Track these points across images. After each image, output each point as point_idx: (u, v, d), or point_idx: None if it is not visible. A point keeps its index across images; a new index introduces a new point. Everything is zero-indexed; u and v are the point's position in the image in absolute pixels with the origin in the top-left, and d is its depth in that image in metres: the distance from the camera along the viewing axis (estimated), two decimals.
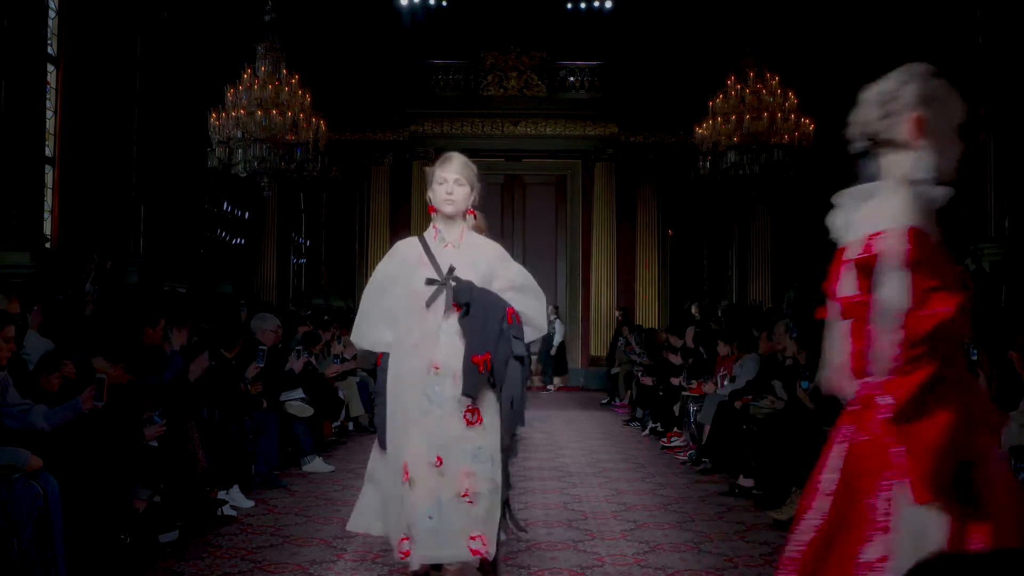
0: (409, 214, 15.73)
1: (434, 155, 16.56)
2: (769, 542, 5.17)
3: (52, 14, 10.22)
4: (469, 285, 3.31)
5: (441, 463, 3.19)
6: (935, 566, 1.52)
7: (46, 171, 10.10)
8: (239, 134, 11.88)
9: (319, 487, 6.65)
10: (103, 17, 10.92)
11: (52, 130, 10.22)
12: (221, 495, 5.67)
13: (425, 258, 3.42)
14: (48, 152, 10.14)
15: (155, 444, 4.98)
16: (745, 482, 6.50)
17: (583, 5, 15.94)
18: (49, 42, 10.14)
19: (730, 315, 13.39)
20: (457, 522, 3.16)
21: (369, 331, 3.52)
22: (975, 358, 4.09)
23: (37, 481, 3.83)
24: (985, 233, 9.66)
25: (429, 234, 3.53)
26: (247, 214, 15.37)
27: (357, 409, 9.49)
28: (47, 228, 10.09)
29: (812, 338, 6.95)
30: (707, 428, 7.61)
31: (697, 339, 9.75)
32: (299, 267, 17.17)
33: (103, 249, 9.77)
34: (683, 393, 8.94)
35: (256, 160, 12.05)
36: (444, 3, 15.62)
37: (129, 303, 9.06)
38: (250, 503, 5.89)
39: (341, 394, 9.15)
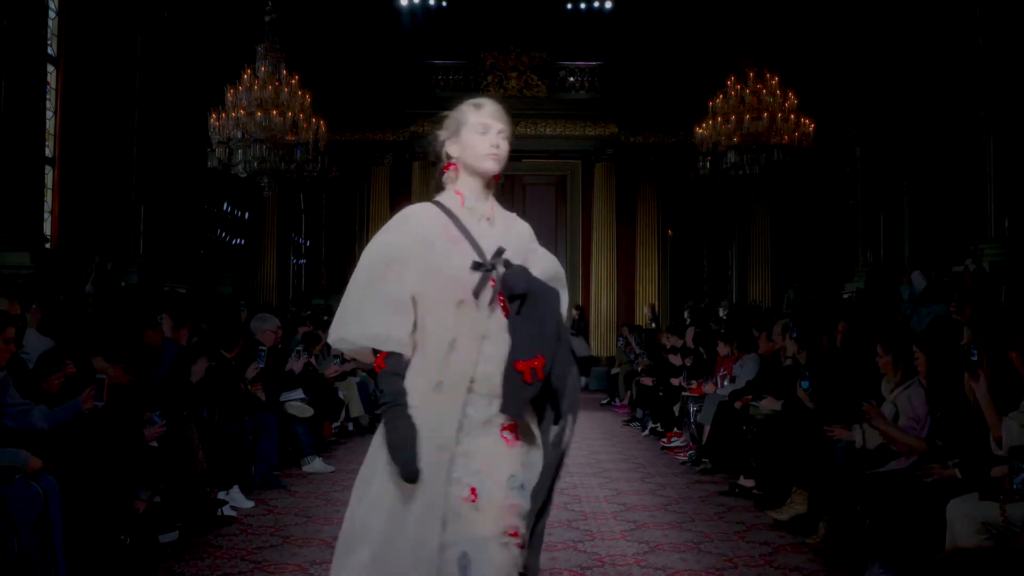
0: None
1: (434, 155, 16.62)
2: (769, 542, 5.18)
3: (52, 14, 10.22)
4: (524, 272, 2.50)
5: (476, 496, 2.41)
6: (949, 560, 1.53)
7: (46, 171, 10.10)
8: (239, 134, 11.88)
9: (319, 487, 6.65)
10: (103, 17, 10.92)
11: (52, 130, 10.23)
12: (221, 495, 5.67)
13: (456, 233, 2.52)
14: (48, 152, 10.15)
15: (155, 444, 4.98)
16: (746, 482, 6.50)
17: (583, 5, 15.95)
18: (49, 42, 10.14)
19: (730, 315, 13.39)
20: (503, 566, 2.39)
21: (372, 321, 2.47)
22: (975, 358, 4.08)
23: (37, 481, 3.83)
24: (985, 233, 9.65)
25: (450, 201, 2.60)
26: (247, 214, 15.37)
27: (357, 409, 9.49)
28: (47, 228, 10.09)
29: (812, 337, 6.96)
30: (707, 428, 7.61)
31: (697, 339, 9.76)
32: (299, 267, 17.18)
33: (103, 249, 9.77)
34: (683, 393, 8.94)
35: (256, 160, 12.05)
36: (444, 3, 15.63)
37: (129, 303, 9.05)
38: (250, 503, 5.89)
39: (341, 394, 9.15)
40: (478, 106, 2.65)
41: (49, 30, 10.14)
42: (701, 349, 9.47)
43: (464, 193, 2.60)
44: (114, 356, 5.02)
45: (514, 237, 2.63)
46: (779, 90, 12.58)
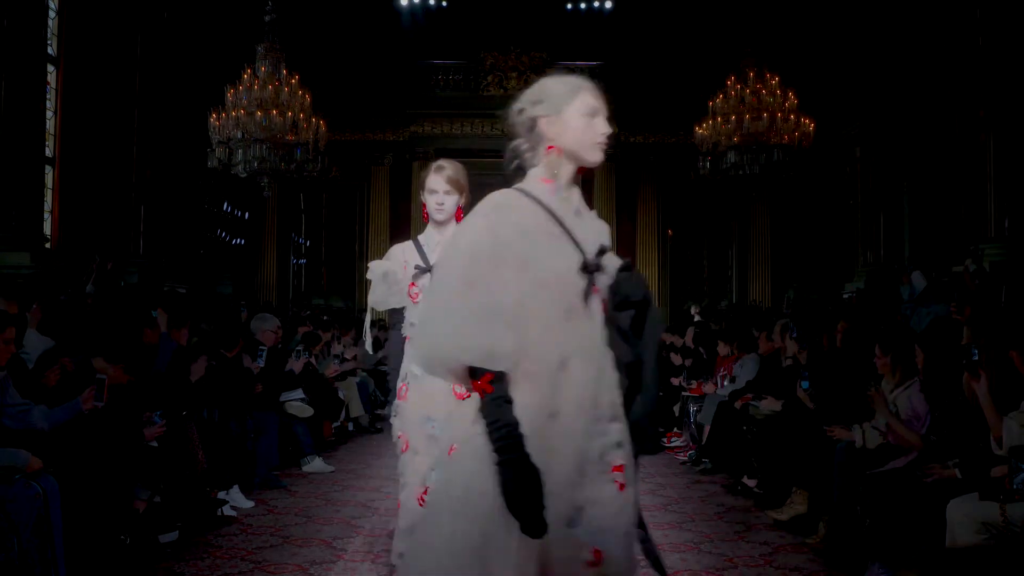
0: (409, 214, 15.73)
1: (434, 155, 16.75)
2: (769, 542, 5.17)
3: (52, 14, 10.23)
4: (640, 276, 2.17)
5: (601, 559, 2.01)
6: (940, 557, 1.53)
7: (46, 171, 10.11)
8: (239, 134, 11.90)
9: (319, 487, 6.64)
10: (103, 17, 10.93)
11: (52, 130, 10.23)
12: (221, 495, 5.67)
13: (555, 228, 2.10)
14: (48, 152, 10.15)
15: (155, 444, 4.98)
16: (749, 482, 6.50)
17: (583, 5, 15.96)
18: (49, 42, 10.15)
19: (731, 315, 13.40)
20: None
21: (474, 334, 1.98)
22: (976, 358, 4.08)
23: (37, 481, 3.83)
24: (985, 233, 9.67)
25: (539, 190, 2.16)
26: (247, 214, 15.39)
27: (357, 409, 9.48)
28: (47, 228, 10.09)
29: (812, 337, 6.97)
30: (707, 428, 7.61)
31: (697, 339, 9.75)
32: (299, 267, 17.18)
33: (103, 249, 9.78)
34: (683, 393, 8.94)
35: (256, 160, 12.06)
36: (444, 3, 15.64)
37: (129, 303, 9.06)
38: (250, 503, 5.89)
39: (341, 394, 9.14)
40: (581, 86, 2.23)
41: (49, 30, 10.14)
42: (701, 349, 9.47)
43: (554, 182, 2.19)
44: (114, 356, 5.01)
45: (603, 235, 2.23)
46: (779, 90, 12.59)
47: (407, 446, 3.40)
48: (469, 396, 3.29)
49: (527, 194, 2.13)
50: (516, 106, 2.23)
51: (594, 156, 2.18)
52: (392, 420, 3.51)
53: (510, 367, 1.99)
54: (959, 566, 2.98)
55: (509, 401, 1.98)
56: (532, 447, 1.95)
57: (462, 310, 2.00)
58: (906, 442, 4.66)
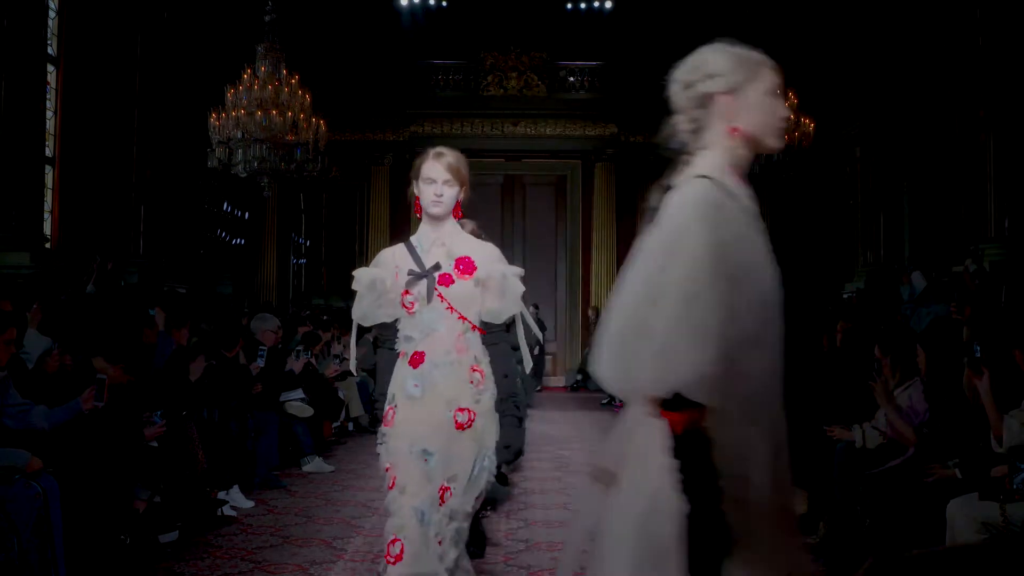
0: (409, 214, 15.70)
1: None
2: None
3: (52, 14, 10.22)
4: None
5: None
6: (915, 562, 1.53)
7: (46, 171, 10.10)
8: (239, 134, 11.88)
9: (319, 487, 6.65)
10: (103, 17, 10.92)
11: (52, 130, 10.22)
12: (221, 495, 5.67)
13: (754, 232, 1.84)
14: (48, 152, 10.14)
15: (155, 444, 4.99)
16: None
17: (583, 5, 15.96)
18: (49, 42, 10.14)
19: None
20: None
21: (686, 358, 1.70)
22: (978, 356, 4.09)
23: (37, 481, 3.83)
24: (985, 233, 9.66)
25: (729, 182, 1.88)
26: (247, 214, 15.37)
27: (357, 409, 9.48)
28: (47, 228, 10.09)
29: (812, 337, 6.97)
30: None
31: None
32: (299, 267, 17.17)
33: (103, 249, 9.77)
34: None
35: (256, 160, 12.04)
36: (444, 3, 15.64)
37: (129, 303, 9.06)
38: (250, 503, 5.90)
39: (341, 394, 9.14)
40: (762, 61, 1.90)
41: (49, 30, 10.13)
42: None
43: (738, 173, 1.87)
44: (114, 356, 5.01)
45: None
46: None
47: (394, 482, 3.01)
48: (470, 426, 2.95)
49: (725, 189, 1.79)
50: (681, 78, 1.89)
51: (776, 142, 1.90)
52: (379, 449, 3.08)
53: (708, 398, 1.70)
54: (959, 566, 2.97)
55: (710, 443, 1.70)
56: (763, 492, 1.74)
57: (679, 327, 1.67)
58: (902, 437, 4.66)
